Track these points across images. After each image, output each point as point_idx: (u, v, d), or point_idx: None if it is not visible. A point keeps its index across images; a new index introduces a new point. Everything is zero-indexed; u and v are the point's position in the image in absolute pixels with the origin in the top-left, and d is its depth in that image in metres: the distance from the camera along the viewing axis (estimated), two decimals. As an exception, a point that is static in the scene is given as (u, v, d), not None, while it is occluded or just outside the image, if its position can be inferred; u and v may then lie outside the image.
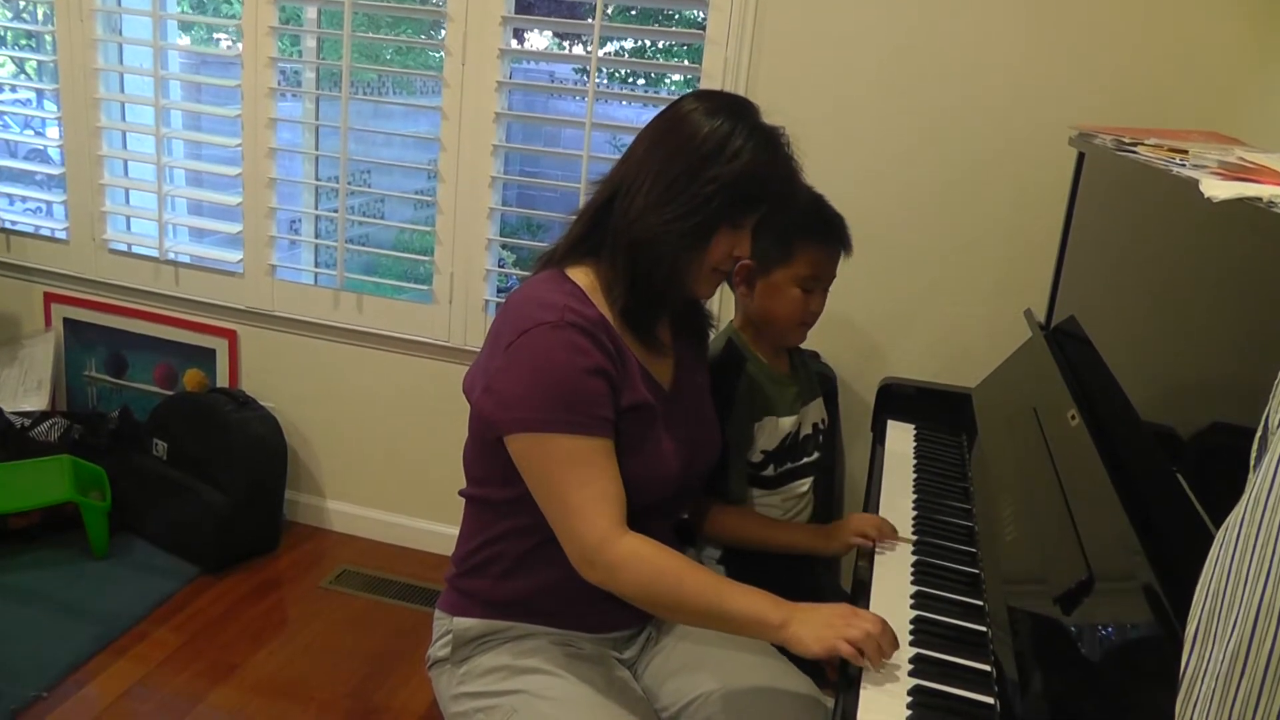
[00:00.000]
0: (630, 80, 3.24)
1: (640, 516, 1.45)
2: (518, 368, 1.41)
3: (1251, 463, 0.78)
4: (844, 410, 2.62)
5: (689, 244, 1.46)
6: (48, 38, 3.09)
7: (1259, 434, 0.78)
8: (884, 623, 1.34)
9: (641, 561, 1.38)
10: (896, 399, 2.28)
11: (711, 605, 1.38)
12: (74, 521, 2.87)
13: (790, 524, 1.90)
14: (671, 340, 1.62)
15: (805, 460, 1.93)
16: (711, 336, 1.79)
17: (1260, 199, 1.06)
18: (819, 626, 1.32)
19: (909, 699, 1.27)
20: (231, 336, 3.16)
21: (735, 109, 1.48)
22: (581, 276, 1.51)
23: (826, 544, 1.79)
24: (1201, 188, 1.13)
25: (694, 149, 1.44)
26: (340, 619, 2.75)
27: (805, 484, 1.94)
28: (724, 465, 1.78)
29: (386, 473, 3.14)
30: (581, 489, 1.39)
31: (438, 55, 2.76)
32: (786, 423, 1.86)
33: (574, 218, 1.57)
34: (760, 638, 1.39)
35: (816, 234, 1.78)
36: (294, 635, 2.66)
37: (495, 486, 1.52)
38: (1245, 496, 0.75)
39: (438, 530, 3.07)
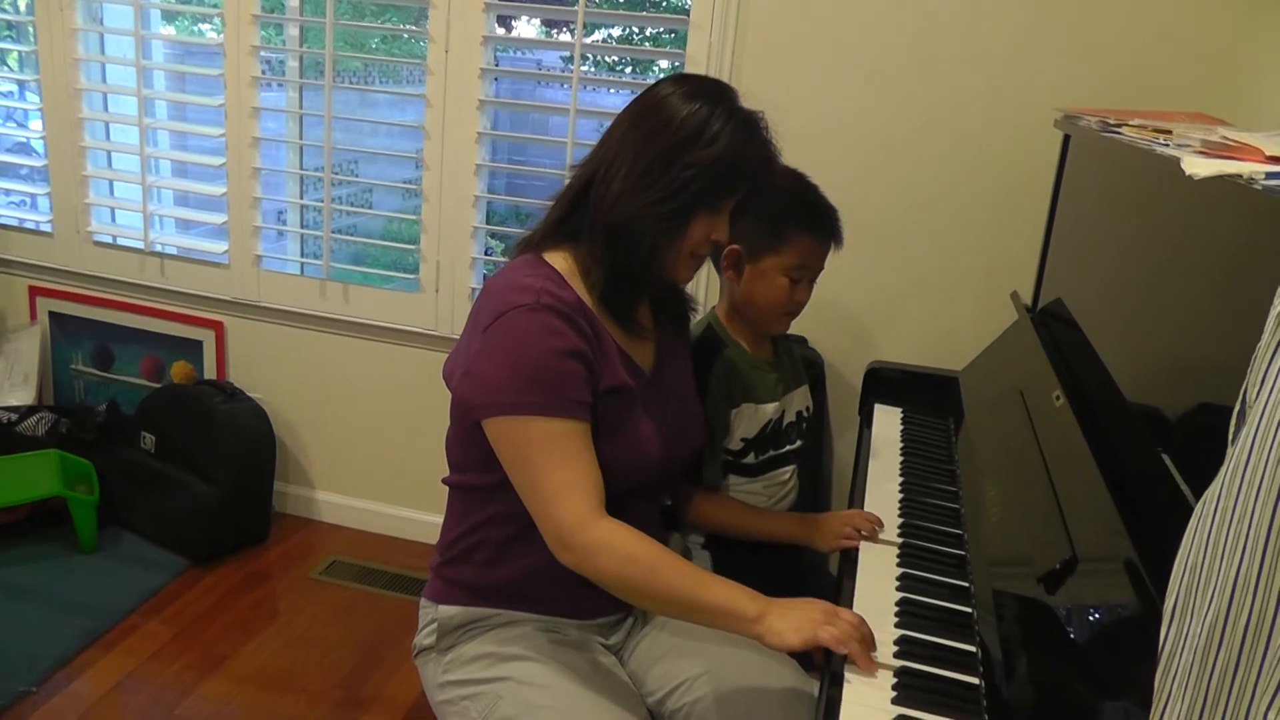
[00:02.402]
0: (618, 68, 3.23)
1: (622, 500, 1.44)
2: (495, 351, 1.41)
3: (1230, 437, 0.78)
4: (832, 395, 2.62)
5: (667, 228, 1.45)
6: (29, 28, 3.06)
7: (1237, 408, 0.78)
8: (862, 620, 1.34)
9: (617, 547, 1.37)
10: (884, 383, 2.28)
11: (687, 595, 1.36)
12: (62, 516, 2.86)
13: (773, 513, 1.88)
14: (652, 324, 1.62)
15: (788, 448, 1.92)
16: (693, 320, 1.78)
17: (1240, 176, 1.06)
18: (797, 619, 1.32)
19: (894, 680, 1.27)
20: (218, 328, 3.14)
21: (713, 93, 1.47)
22: (559, 261, 1.50)
23: (809, 535, 1.76)
24: (1183, 165, 1.13)
25: (672, 133, 1.43)
26: (330, 609, 2.75)
27: (788, 472, 1.93)
28: (700, 451, 1.77)
29: (375, 462, 3.14)
30: (557, 472, 1.39)
31: (423, 43, 2.74)
32: (768, 409, 1.85)
33: (552, 203, 1.56)
34: (735, 631, 1.37)
35: (808, 224, 1.77)
36: (284, 626, 2.66)
37: (477, 473, 1.51)
38: (1223, 470, 0.75)
39: (428, 519, 3.06)
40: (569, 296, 1.45)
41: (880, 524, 1.69)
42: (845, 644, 1.29)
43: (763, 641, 1.33)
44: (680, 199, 1.43)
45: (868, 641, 1.32)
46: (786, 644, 1.31)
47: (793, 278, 1.77)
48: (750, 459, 1.86)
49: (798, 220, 1.76)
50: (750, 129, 1.47)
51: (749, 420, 1.84)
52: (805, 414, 1.96)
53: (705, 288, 2.59)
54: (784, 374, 1.91)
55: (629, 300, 1.52)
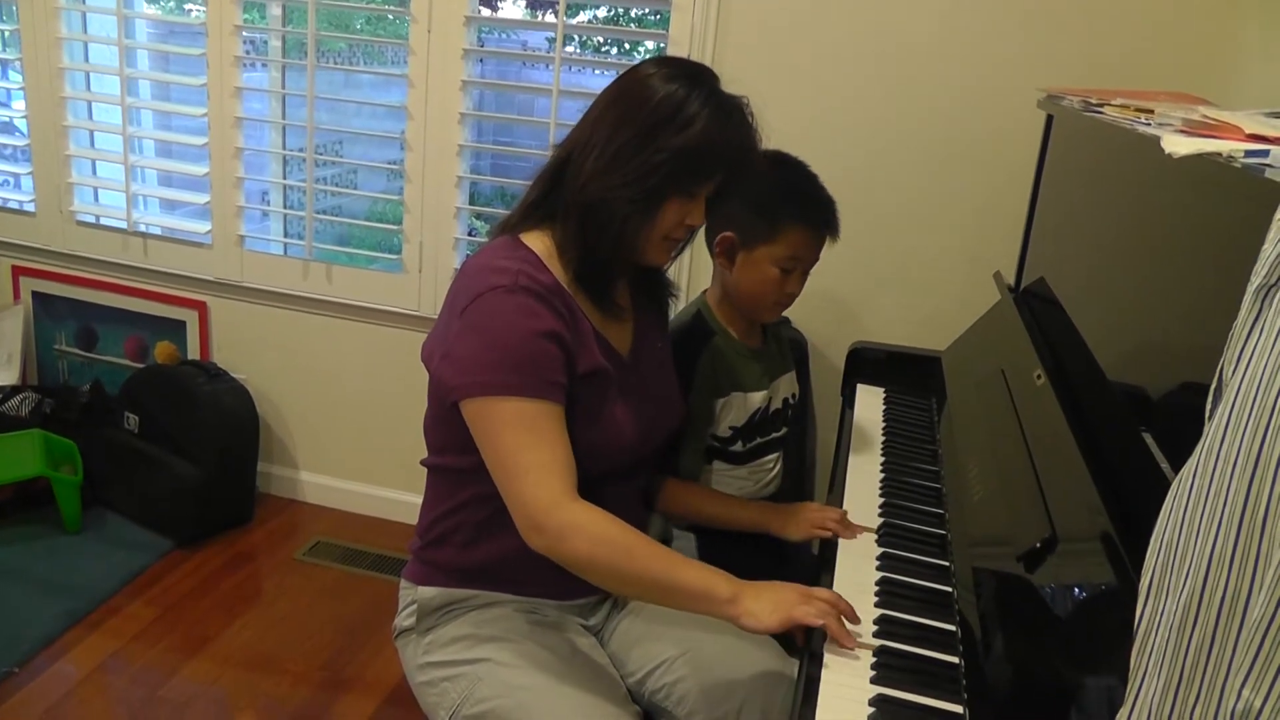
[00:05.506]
0: (604, 49, 3.21)
1: (598, 482, 1.44)
2: (472, 332, 1.40)
3: (1207, 414, 0.78)
4: (815, 375, 2.61)
5: (639, 210, 1.43)
6: (13, 6, 3.03)
7: (1214, 384, 0.78)
8: (839, 596, 1.34)
9: (589, 528, 1.35)
10: (866, 363, 2.28)
11: (661, 578, 1.35)
12: (46, 496, 2.86)
13: (746, 502, 1.84)
14: (631, 307, 1.60)
15: (774, 435, 1.90)
16: (673, 304, 1.76)
17: (1220, 154, 1.05)
18: (772, 600, 1.32)
19: (874, 659, 1.27)
20: (201, 308, 3.13)
21: (693, 76, 1.45)
22: (537, 242, 1.49)
23: (781, 525, 1.73)
24: (1163, 144, 1.12)
25: (646, 115, 1.41)
26: (314, 591, 2.75)
27: (773, 459, 1.92)
28: (678, 440, 1.75)
29: (359, 443, 3.13)
30: (529, 453, 1.37)
31: (407, 22, 2.72)
32: (756, 398, 1.83)
33: (529, 184, 1.55)
34: (710, 614, 1.36)
35: (803, 216, 1.74)
36: (268, 608, 2.66)
37: (454, 454, 1.50)
38: (1199, 446, 0.75)
39: (412, 500, 3.02)
40: (547, 280, 1.44)
41: (852, 531, 1.64)
42: (824, 617, 1.29)
43: (739, 624, 1.33)
44: (651, 182, 1.41)
45: (848, 615, 1.33)
46: (763, 625, 1.31)
47: (784, 268, 1.74)
48: (738, 447, 1.84)
49: (793, 211, 1.73)
50: (729, 114, 1.45)
51: (738, 409, 1.82)
52: (791, 400, 1.95)
53: (688, 274, 2.58)
54: (772, 361, 1.89)
55: (603, 282, 1.51)
